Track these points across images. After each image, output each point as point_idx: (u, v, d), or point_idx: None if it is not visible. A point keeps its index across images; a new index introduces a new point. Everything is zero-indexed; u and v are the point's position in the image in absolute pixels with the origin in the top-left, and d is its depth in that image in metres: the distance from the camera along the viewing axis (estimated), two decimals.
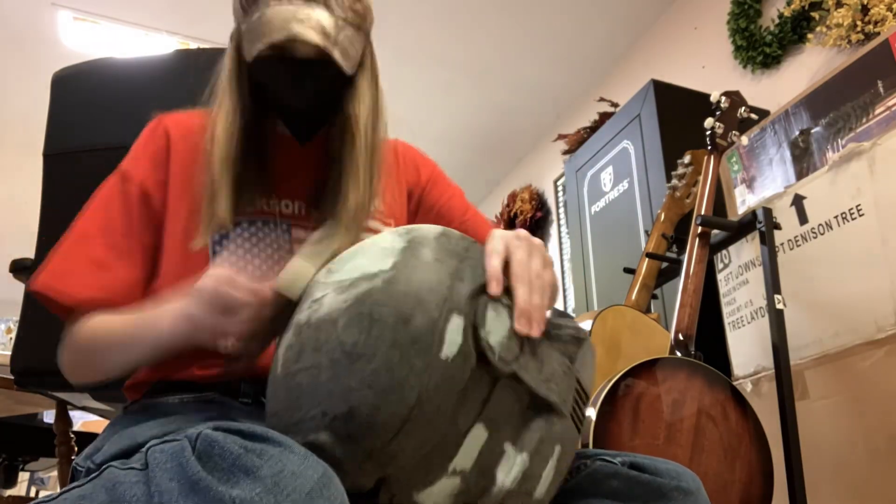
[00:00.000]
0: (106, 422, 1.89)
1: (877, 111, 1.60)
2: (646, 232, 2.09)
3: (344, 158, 0.84)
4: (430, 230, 0.63)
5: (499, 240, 0.64)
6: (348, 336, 0.54)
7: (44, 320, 1.19)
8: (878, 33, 2.00)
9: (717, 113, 1.61)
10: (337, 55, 0.78)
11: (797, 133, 1.82)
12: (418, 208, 0.98)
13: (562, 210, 3.88)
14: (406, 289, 0.56)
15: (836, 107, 1.70)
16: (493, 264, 0.61)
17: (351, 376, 0.53)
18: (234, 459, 0.49)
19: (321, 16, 0.78)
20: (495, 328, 0.57)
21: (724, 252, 1.76)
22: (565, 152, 3.27)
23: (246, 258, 0.81)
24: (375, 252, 0.60)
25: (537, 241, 0.67)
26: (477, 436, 0.56)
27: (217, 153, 0.81)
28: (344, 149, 0.84)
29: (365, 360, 0.53)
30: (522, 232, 0.66)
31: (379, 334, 0.53)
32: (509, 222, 4.28)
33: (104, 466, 0.56)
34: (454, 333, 0.55)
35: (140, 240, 0.82)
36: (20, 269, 1.50)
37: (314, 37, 0.76)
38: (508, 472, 0.56)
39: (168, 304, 0.70)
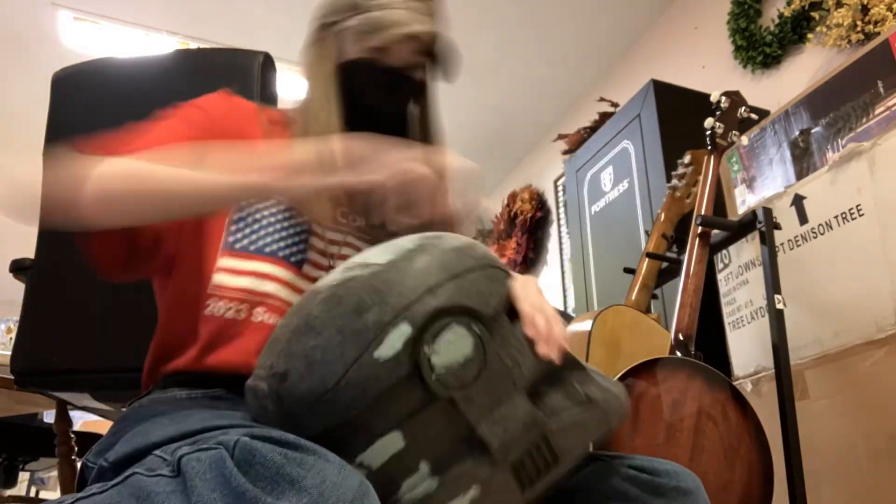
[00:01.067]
0: (106, 422, 1.89)
1: (877, 111, 1.60)
2: (646, 232, 2.09)
3: None
4: (451, 241, 0.65)
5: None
6: (315, 309, 0.58)
7: (44, 320, 1.20)
8: (878, 33, 2.00)
9: (717, 113, 1.61)
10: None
11: (797, 133, 1.82)
12: None
13: (562, 210, 3.88)
14: (379, 286, 0.58)
15: (836, 107, 1.70)
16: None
17: (298, 344, 0.57)
18: (278, 469, 0.49)
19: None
20: (447, 351, 0.57)
21: (724, 252, 1.76)
22: (565, 152, 3.27)
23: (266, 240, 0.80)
24: (388, 247, 0.64)
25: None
26: (392, 441, 0.56)
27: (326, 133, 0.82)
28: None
29: (313, 333, 0.57)
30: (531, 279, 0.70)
31: (334, 316, 0.57)
32: (509, 222, 4.28)
33: (129, 473, 0.54)
34: (395, 339, 0.56)
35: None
36: (20, 269, 1.51)
37: (433, 34, 0.86)
38: (412, 488, 0.56)
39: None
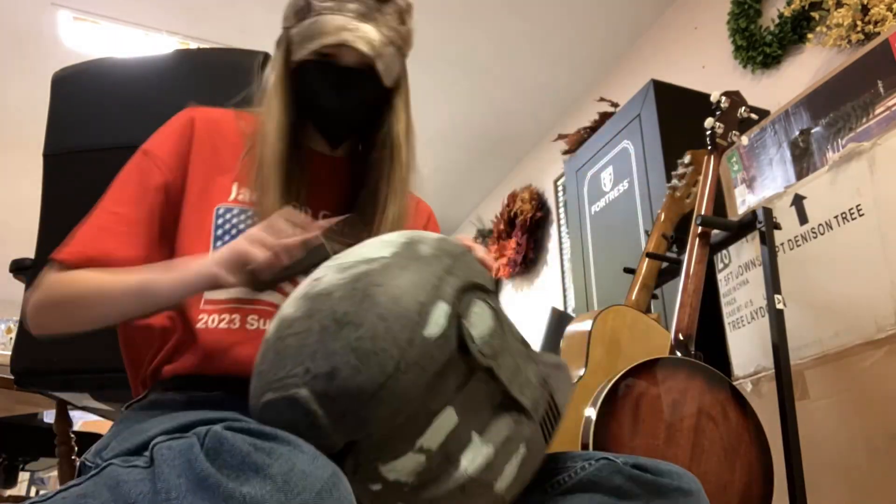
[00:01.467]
0: (106, 422, 1.89)
1: (877, 111, 1.60)
2: (646, 232, 2.09)
3: (385, 172, 0.89)
4: (428, 233, 0.68)
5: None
6: (340, 306, 0.57)
7: None
8: (878, 33, 2.00)
9: (717, 113, 1.61)
10: (380, 66, 0.86)
11: (797, 133, 1.82)
12: None
13: (562, 210, 3.88)
14: (400, 273, 0.59)
15: (836, 107, 1.70)
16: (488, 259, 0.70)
17: (336, 341, 0.56)
18: (244, 457, 0.49)
19: (369, 30, 0.85)
20: (478, 323, 0.61)
21: (724, 252, 1.76)
22: (565, 152, 3.27)
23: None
24: (377, 243, 0.65)
25: None
26: (447, 418, 0.58)
27: (268, 151, 0.84)
28: (384, 163, 0.90)
29: (352, 327, 0.56)
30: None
31: (368, 307, 0.57)
32: (509, 222, 4.28)
33: (105, 465, 0.55)
34: (439, 316, 0.58)
35: (150, 211, 0.83)
36: (20, 269, 1.50)
37: (362, 46, 0.84)
38: (472, 459, 0.59)
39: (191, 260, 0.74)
